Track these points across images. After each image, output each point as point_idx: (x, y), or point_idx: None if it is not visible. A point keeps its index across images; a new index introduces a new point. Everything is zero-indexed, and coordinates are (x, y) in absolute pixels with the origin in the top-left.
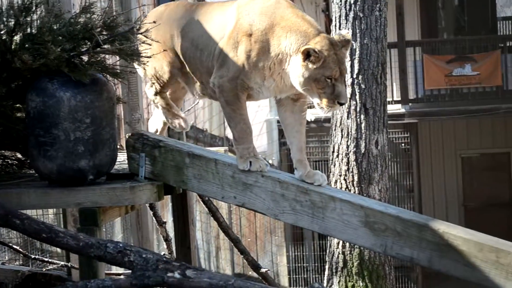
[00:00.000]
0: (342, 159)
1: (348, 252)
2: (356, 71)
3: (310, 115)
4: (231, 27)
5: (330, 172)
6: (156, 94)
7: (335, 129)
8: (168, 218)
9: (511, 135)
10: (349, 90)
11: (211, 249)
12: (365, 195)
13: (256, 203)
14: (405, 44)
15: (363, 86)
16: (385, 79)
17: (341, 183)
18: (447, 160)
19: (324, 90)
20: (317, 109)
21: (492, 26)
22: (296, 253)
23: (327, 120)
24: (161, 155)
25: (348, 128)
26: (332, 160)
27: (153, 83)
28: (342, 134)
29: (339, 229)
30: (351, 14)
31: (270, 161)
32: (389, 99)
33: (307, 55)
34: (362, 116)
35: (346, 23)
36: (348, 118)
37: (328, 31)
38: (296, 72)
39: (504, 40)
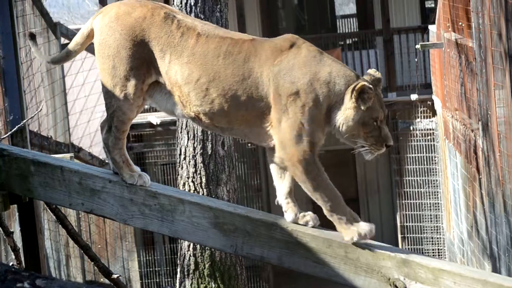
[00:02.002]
0: (190, 162)
1: (199, 254)
2: None
3: (155, 118)
4: (271, 92)
5: (178, 174)
6: (117, 143)
7: (181, 132)
8: (16, 227)
9: None
10: None
11: (61, 257)
12: (214, 196)
13: (105, 209)
14: None
15: None
16: None
17: (190, 186)
18: None
19: (372, 133)
20: (363, 154)
21: (331, 25)
22: (147, 258)
23: (173, 123)
24: (5, 164)
25: (194, 130)
26: (179, 162)
27: (112, 118)
28: (188, 136)
29: (189, 231)
30: (192, 16)
31: None
32: None
33: (362, 92)
34: None
35: None
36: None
37: None
38: (347, 116)
39: (344, 38)
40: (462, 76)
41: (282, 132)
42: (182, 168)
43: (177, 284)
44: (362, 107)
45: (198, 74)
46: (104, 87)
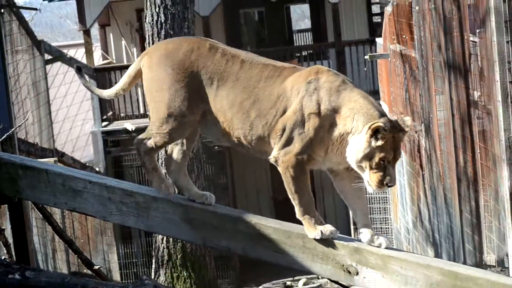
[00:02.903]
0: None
1: (172, 246)
2: None
3: (130, 125)
4: (295, 103)
5: None
6: (152, 150)
7: None
8: (7, 225)
9: None
10: None
11: (48, 251)
12: None
13: (86, 207)
14: None
15: None
16: None
17: None
18: (256, 159)
19: (376, 171)
20: (366, 185)
21: (289, 38)
22: (125, 251)
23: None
24: None
25: None
26: None
27: (156, 137)
28: None
29: (162, 226)
30: (163, 32)
31: (97, 169)
32: None
33: (376, 131)
34: None
35: (159, 40)
36: None
37: (142, 48)
38: (357, 147)
39: (300, 50)
40: (406, 83)
41: (291, 140)
42: None
43: (153, 274)
44: (373, 144)
45: (241, 97)
46: (155, 113)
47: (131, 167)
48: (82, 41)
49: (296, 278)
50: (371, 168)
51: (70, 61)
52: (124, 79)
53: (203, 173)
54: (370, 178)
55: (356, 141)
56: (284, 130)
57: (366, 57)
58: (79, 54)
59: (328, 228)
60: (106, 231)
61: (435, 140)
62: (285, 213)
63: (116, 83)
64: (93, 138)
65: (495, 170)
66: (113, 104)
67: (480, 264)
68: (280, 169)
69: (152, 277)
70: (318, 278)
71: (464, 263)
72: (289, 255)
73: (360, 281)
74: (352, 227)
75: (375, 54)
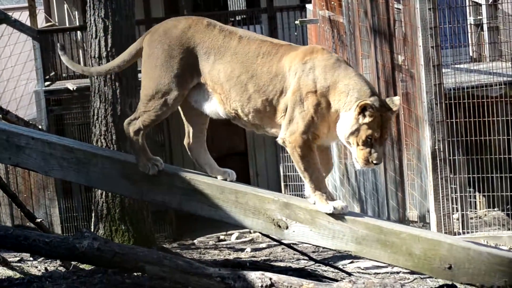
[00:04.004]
0: (102, 121)
1: (111, 200)
2: (109, 45)
3: (72, 84)
4: (293, 84)
5: (92, 133)
6: (140, 131)
7: (94, 96)
8: None
9: None
10: (104, 62)
11: None
12: (123, 151)
13: (29, 162)
14: (151, 21)
15: (116, 57)
16: None
17: (102, 142)
18: None
19: (363, 147)
20: (353, 161)
21: (223, 3)
22: (66, 205)
23: (88, 88)
24: None
25: (105, 94)
26: (93, 122)
27: (143, 114)
28: (100, 100)
29: (101, 181)
30: None
31: (40, 126)
32: (139, 68)
33: (364, 109)
34: (117, 83)
35: (99, 3)
36: (105, 86)
37: (83, 11)
38: (346, 123)
39: (234, 15)
40: (334, 47)
41: (293, 120)
42: (95, 127)
43: (92, 227)
44: (360, 121)
45: (239, 71)
46: (144, 90)
47: (72, 125)
48: (26, 4)
49: (229, 232)
50: (357, 144)
51: (15, 23)
52: (123, 57)
53: None
54: (357, 155)
55: (345, 117)
56: (286, 110)
57: (297, 22)
58: (24, 17)
59: (339, 204)
60: (48, 186)
61: None
62: None
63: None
64: (36, 97)
65: (418, 130)
66: (55, 64)
67: (403, 219)
68: (288, 149)
69: (92, 230)
70: (250, 232)
71: (388, 218)
72: (222, 210)
73: (290, 235)
74: (282, 184)
75: (305, 19)
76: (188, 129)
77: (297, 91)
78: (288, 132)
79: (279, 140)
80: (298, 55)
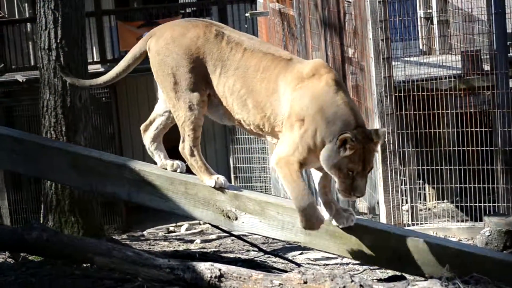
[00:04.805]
0: (51, 113)
1: (60, 192)
2: (59, 36)
3: (21, 76)
4: (286, 108)
5: (42, 124)
6: (192, 150)
7: (43, 88)
8: None
9: None
10: (54, 54)
11: None
12: (72, 143)
13: None
14: (101, 13)
15: (66, 49)
16: (85, 43)
17: (51, 134)
18: (142, 110)
19: (345, 180)
20: (336, 191)
21: None
22: (16, 197)
23: (37, 80)
24: None
25: (55, 86)
26: (42, 114)
27: (184, 128)
28: (50, 92)
29: (50, 172)
30: None
31: None
32: (89, 60)
33: (344, 142)
34: None
35: None
36: (54, 77)
37: (33, 3)
38: (327, 155)
39: (184, 7)
40: (285, 40)
41: (284, 141)
42: (45, 118)
43: (41, 218)
44: (341, 154)
45: (240, 85)
46: (170, 101)
47: (22, 117)
48: None
49: (179, 223)
50: (339, 177)
51: None
52: (128, 61)
53: (91, 123)
54: (338, 186)
55: (328, 148)
56: (281, 132)
57: (247, 14)
58: None
59: (322, 220)
60: None
61: None
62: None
63: (8, 37)
64: None
65: (368, 122)
66: (4, 56)
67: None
68: (278, 172)
69: (41, 221)
70: (200, 224)
71: None
72: (172, 201)
73: (240, 226)
74: (232, 175)
75: (255, 12)
76: (155, 117)
77: (289, 117)
78: (276, 155)
79: (272, 161)
80: (292, 81)
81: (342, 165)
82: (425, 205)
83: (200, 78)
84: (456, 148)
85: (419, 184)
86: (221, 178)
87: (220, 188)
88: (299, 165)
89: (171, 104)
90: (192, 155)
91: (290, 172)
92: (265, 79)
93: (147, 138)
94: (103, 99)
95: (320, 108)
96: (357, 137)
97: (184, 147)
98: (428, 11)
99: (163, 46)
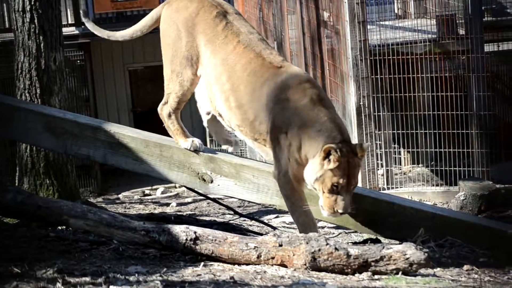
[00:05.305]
0: (26, 75)
1: (35, 155)
2: None
3: None
4: (270, 121)
5: (16, 87)
6: (170, 114)
7: (18, 50)
8: None
9: None
10: (28, 16)
11: None
12: (47, 105)
13: None
14: None
15: (40, 11)
16: (60, 4)
17: (26, 96)
18: (117, 73)
19: (329, 195)
20: (320, 208)
21: None
22: None
23: (11, 42)
24: None
25: (29, 48)
26: (17, 76)
27: (168, 97)
28: (24, 54)
29: (25, 134)
30: None
31: None
32: (64, 22)
33: (328, 153)
34: (41, 37)
35: None
36: (29, 39)
37: None
38: (312, 169)
39: None
40: (260, 3)
41: (276, 159)
42: (19, 81)
43: (17, 181)
44: (325, 167)
45: (225, 79)
46: (164, 70)
47: None
48: None
49: (155, 187)
50: (323, 192)
51: None
52: (145, 21)
53: (66, 86)
54: (323, 203)
55: (312, 162)
56: (271, 144)
57: None
58: None
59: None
60: None
61: (287, 57)
62: (144, 125)
63: None
64: None
65: (343, 86)
66: None
67: None
68: (280, 190)
69: (16, 184)
70: (176, 187)
71: None
72: (147, 163)
73: (215, 188)
74: (208, 138)
75: None
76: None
77: (272, 130)
78: (274, 172)
79: (272, 174)
80: (275, 91)
81: (326, 178)
82: (400, 169)
83: (194, 55)
84: (431, 112)
85: (394, 148)
86: (196, 141)
87: (195, 151)
88: (296, 181)
89: (165, 72)
90: (169, 117)
91: (292, 191)
92: (250, 83)
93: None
94: (78, 62)
95: (303, 124)
96: (342, 150)
97: (163, 109)
98: None
99: (168, 15)
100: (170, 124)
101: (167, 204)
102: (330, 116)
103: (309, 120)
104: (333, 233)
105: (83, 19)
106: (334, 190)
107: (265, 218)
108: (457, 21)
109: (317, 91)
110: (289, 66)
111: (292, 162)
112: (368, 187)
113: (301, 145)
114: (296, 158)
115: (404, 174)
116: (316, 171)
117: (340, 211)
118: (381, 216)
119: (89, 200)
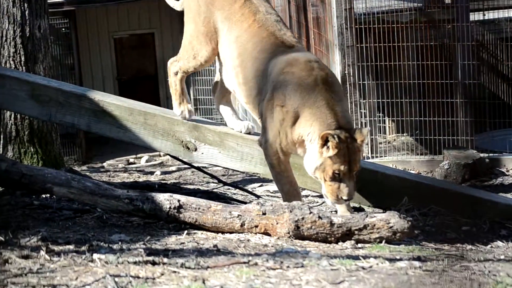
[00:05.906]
0: (10, 43)
1: (20, 122)
2: None
3: None
4: (269, 91)
5: (0, 54)
6: (178, 73)
7: (2, 17)
8: None
9: (154, 18)
10: None
11: None
12: (31, 73)
13: None
14: None
15: None
16: None
17: (10, 63)
18: (102, 41)
19: (331, 183)
20: (324, 197)
21: None
22: None
23: None
24: None
25: (14, 16)
26: (1, 44)
27: (180, 61)
28: (9, 21)
29: (9, 102)
30: None
31: None
32: None
33: (326, 140)
34: (26, 5)
35: None
36: (13, 6)
37: None
38: (311, 157)
39: None
40: None
41: (266, 129)
42: (4, 48)
43: (1, 149)
44: (325, 154)
45: (236, 55)
46: (183, 38)
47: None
48: None
49: (139, 155)
50: (325, 180)
51: None
52: None
53: (50, 53)
54: (325, 191)
55: (310, 150)
56: (262, 115)
57: None
58: None
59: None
60: None
61: None
62: (128, 93)
63: None
64: None
65: (328, 54)
66: None
67: None
68: (265, 159)
69: (0, 152)
70: (160, 156)
71: None
72: (131, 131)
73: (199, 156)
74: (193, 107)
75: None
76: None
77: (270, 100)
78: (263, 140)
79: (257, 142)
80: (281, 63)
81: (327, 166)
82: (384, 138)
83: (211, 32)
84: (416, 81)
85: (379, 117)
86: (186, 112)
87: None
88: (282, 153)
89: (184, 36)
90: (176, 74)
91: (278, 162)
92: (258, 60)
93: (215, 100)
94: (63, 29)
95: (301, 103)
96: (339, 136)
97: (173, 65)
98: None
99: None
100: (173, 82)
101: (152, 173)
102: (328, 101)
103: (307, 101)
104: (317, 202)
105: None
106: (336, 177)
107: (249, 187)
108: None
109: (324, 74)
110: (302, 48)
111: (282, 135)
112: None
113: (295, 124)
114: (286, 133)
115: (389, 143)
116: (316, 159)
117: (344, 197)
118: (365, 185)
119: (73, 168)
